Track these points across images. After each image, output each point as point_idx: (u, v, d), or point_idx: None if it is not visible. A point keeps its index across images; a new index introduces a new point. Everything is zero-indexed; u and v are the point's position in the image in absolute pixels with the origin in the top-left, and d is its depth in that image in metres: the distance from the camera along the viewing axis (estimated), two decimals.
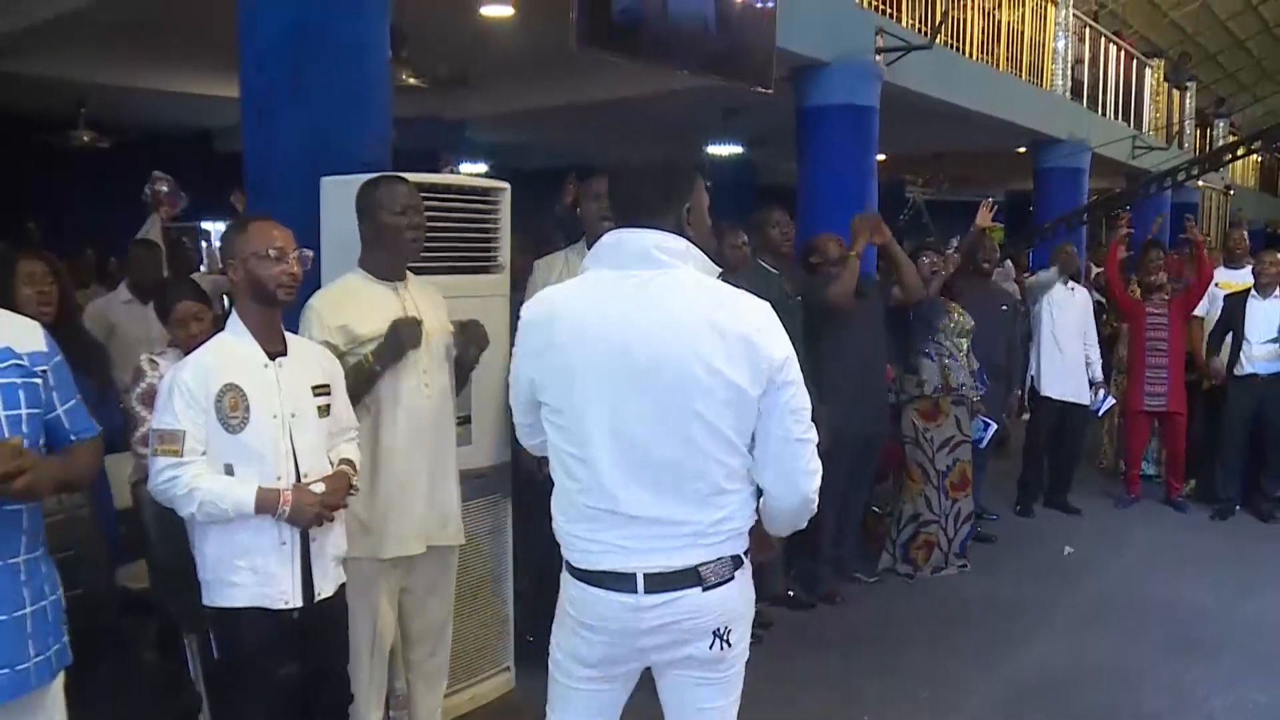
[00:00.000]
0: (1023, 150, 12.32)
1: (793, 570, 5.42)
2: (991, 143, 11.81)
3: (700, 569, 2.13)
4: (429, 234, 3.54)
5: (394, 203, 3.25)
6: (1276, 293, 6.79)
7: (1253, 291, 6.84)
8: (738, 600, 2.20)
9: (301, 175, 3.79)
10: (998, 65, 10.36)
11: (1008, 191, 18.99)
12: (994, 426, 5.73)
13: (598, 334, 2.11)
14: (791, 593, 5.23)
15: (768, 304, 2.15)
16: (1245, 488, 7.01)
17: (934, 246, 6.10)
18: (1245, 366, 6.76)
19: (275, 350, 2.76)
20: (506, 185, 4.04)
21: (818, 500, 2.21)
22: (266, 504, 2.63)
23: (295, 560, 2.72)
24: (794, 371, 2.11)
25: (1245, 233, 8.32)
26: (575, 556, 2.21)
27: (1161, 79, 15.56)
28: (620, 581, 2.14)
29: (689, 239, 2.17)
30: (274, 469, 2.68)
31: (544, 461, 2.49)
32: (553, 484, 2.25)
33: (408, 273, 3.35)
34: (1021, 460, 7.12)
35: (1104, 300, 8.33)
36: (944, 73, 8.68)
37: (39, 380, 2.20)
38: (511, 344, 3.50)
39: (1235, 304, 6.88)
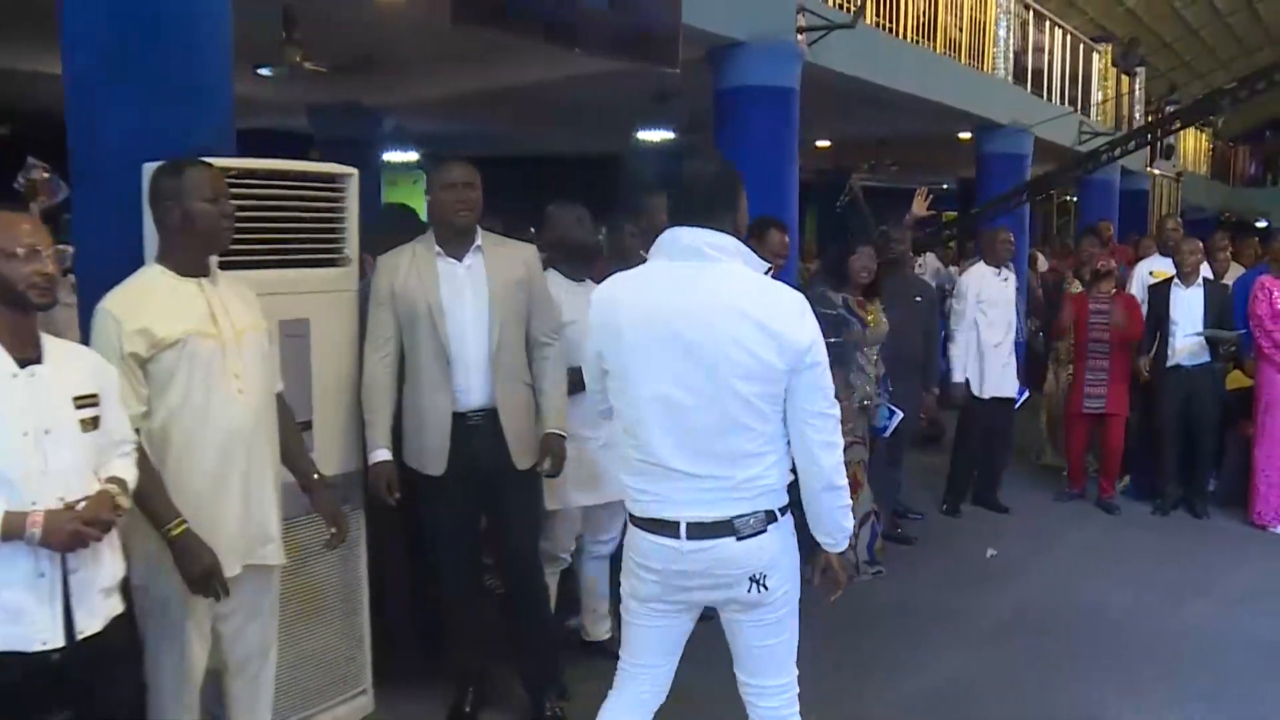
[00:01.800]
0: (967, 136, 12.05)
1: None
2: (934, 128, 11.52)
3: (735, 521, 2.46)
4: (265, 225, 3.27)
5: (203, 189, 2.88)
6: (1199, 281, 6.56)
7: (1175, 280, 6.60)
8: (772, 550, 2.51)
9: (127, 162, 3.41)
10: (935, 48, 10.06)
11: (959, 179, 18.78)
12: (899, 415, 5.43)
13: (652, 315, 2.47)
14: None
15: (802, 295, 2.50)
16: (1180, 484, 6.77)
17: (873, 241, 5.80)
18: (1172, 359, 6.52)
19: (27, 357, 2.40)
20: (354, 171, 3.71)
21: (845, 488, 2.54)
22: (12, 529, 2.26)
23: (56, 595, 2.36)
24: (819, 354, 2.46)
25: (1179, 222, 8.09)
26: (632, 505, 2.58)
27: (1110, 64, 15.35)
28: (666, 528, 2.50)
29: (740, 239, 2.52)
30: (25, 493, 2.30)
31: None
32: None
33: (214, 266, 3.00)
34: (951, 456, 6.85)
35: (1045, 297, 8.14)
36: (872, 54, 8.36)
37: None
38: (361, 342, 3.65)
39: (1159, 294, 6.65)
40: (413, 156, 14.07)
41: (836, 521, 2.57)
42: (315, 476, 3.19)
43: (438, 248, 3.64)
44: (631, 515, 2.60)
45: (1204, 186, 22.51)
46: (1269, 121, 31.78)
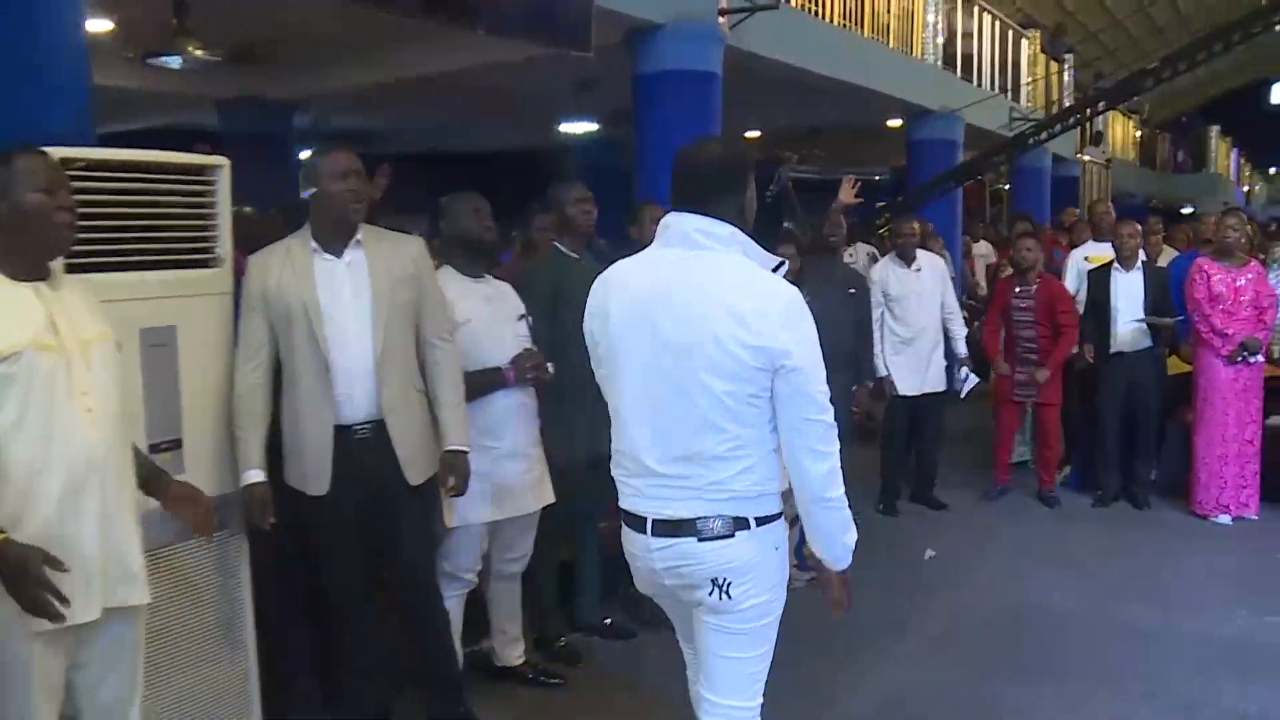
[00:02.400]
0: (897, 124, 11.87)
1: (620, 591, 4.82)
2: (864, 116, 11.33)
3: (697, 521, 2.36)
4: (123, 223, 2.92)
5: (34, 180, 2.49)
6: (1138, 265, 6.39)
7: (1115, 264, 6.42)
8: (740, 557, 2.38)
9: None
10: (863, 32, 9.83)
11: (892, 169, 18.66)
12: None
13: (637, 302, 2.40)
14: (609, 620, 4.61)
15: (794, 292, 2.34)
16: (1121, 473, 6.59)
17: (793, 236, 5.53)
18: (1114, 345, 6.34)
19: None
20: (224, 162, 3.35)
21: (840, 501, 2.41)
22: None
23: None
24: (802, 358, 2.29)
25: (1110, 205, 7.93)
26: (618, 496, 2.52)
27: (1039, 50, 15.30)
28: (637, 523, 2.46)
29: (742, 227, 2.39)
30: None
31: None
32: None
33: (56, 269, 2.61)
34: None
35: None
36: (797, 37, 8.11)
37: None
38: (235, 348, 3.32)
39: (1099, 278, 6.46)
40: None
41: (831, 536, 2.44)
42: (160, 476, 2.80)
43: (314, 243, 3.29)
44: (619, 507, 2.55)
45: (1133, 173, 22.71)
46: (1193, 110, 32.44)
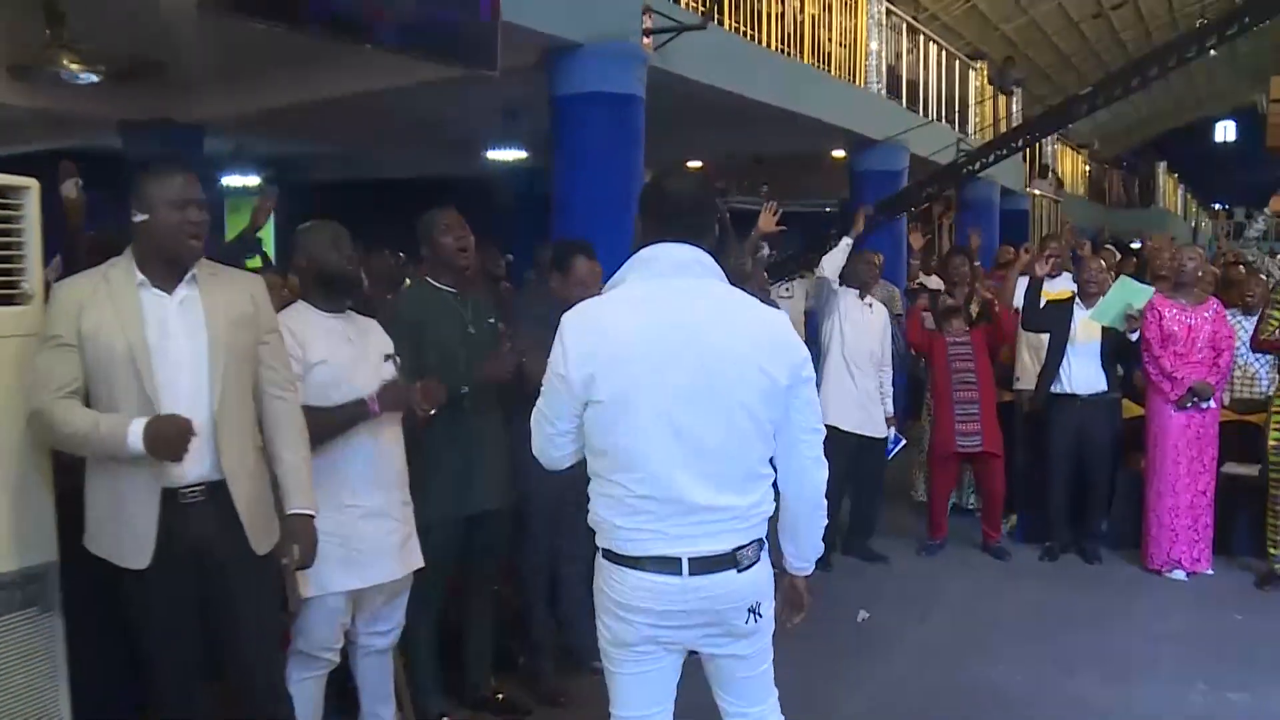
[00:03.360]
0: (841, 154, 11.52)
1: (521, 660, 4.34)
2: (807, 145, 10.97)
3: (736, 553, 2.35)
4: None
5: None
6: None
7: (1078, 301, 6.03)
8: (765, 577, 2.45)
9: None
10: (803, 58, 9.47)
11: (842, 200, 18.39)
12: None
13: (662, 334, 2.31)
14: (502, 695, 4.11)
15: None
16: (1071, 525, 6.18)
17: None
18: (1065, 385, 5.94)
19: None
20: (31, 183, 2.89)
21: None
22: None
23: None
24: (811, 369, 2.43)
25: (1064, 243, 7.58)
26: (619, 544, 2.38)
27: (986, 82, 15.09)
28: (665, 565, 2.34)
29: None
30: None
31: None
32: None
33: None
34: None
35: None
36: (729, 60, 7.70)
37: None
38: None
39: (1060, 315, 6.04)
40: (254, 181, 13.08)
41: (816, 543, 2.57)
42: None
43: (140, 276, 2.79)
44: (615, 554, 2.40)
45: (1082, 207, 22.64)
46: (1141, 145, 32.77)
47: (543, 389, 2.43)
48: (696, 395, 2.30)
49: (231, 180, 13.13)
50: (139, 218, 2.80)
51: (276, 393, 2.98)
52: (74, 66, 5.98)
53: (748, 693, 2.55)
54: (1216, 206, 35.42)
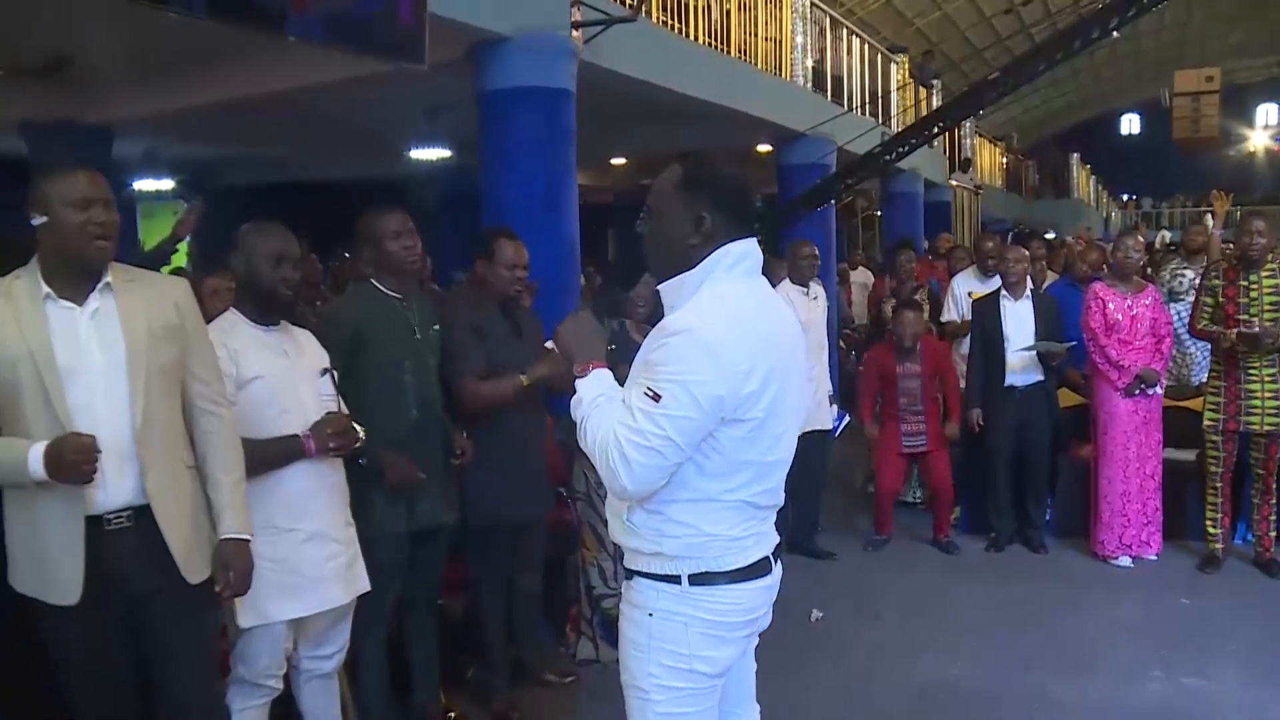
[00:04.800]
0: (767, 149, 11.48)
1: (470, 675, 4.19)
2: (732, 140, 10.85)
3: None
4: None
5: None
6: (1026, 293, 5.99)
7: (1003, 293, 6.02)
8: None
9: None
10: (730, 52, 9.38)
11: (763, 195, 18.43)
12: None
13: (775, 338, 2.23)
14: (453, 714, 3.95)
15: None
16: (1015, 515, 6.16)
17: None
18: (1008, 379, 5.93)
19: None
20: None
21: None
22: None
23: None
24: None
25: (999, 239, 7.59)
26: (729, 559, 2.22)
27: (908, 75, 15.21)
28: (763, 566, 2.28)
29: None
30: None
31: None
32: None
33: None
34: None
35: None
36: (658, 54, 7.58)
37: None
38: None
39: (987, 308, 6.04)
40: (168, 185, 12.64)
41: None
42: None
43: (46, 288, 2.57)
44: (719, 572, 2.22)
45: (1001, 199, 23.01)
46: (1053, 138, 33.51)
47: (667, 416, 2.08)
48: (797, 396, 2.32)
49: (145, 185, 12.65)
50: (37, 220, 2.58)
51: (208, 408, 2.77)
52: None
53: (751, 689, 2.54)
54: (1125, 197, 36.33)
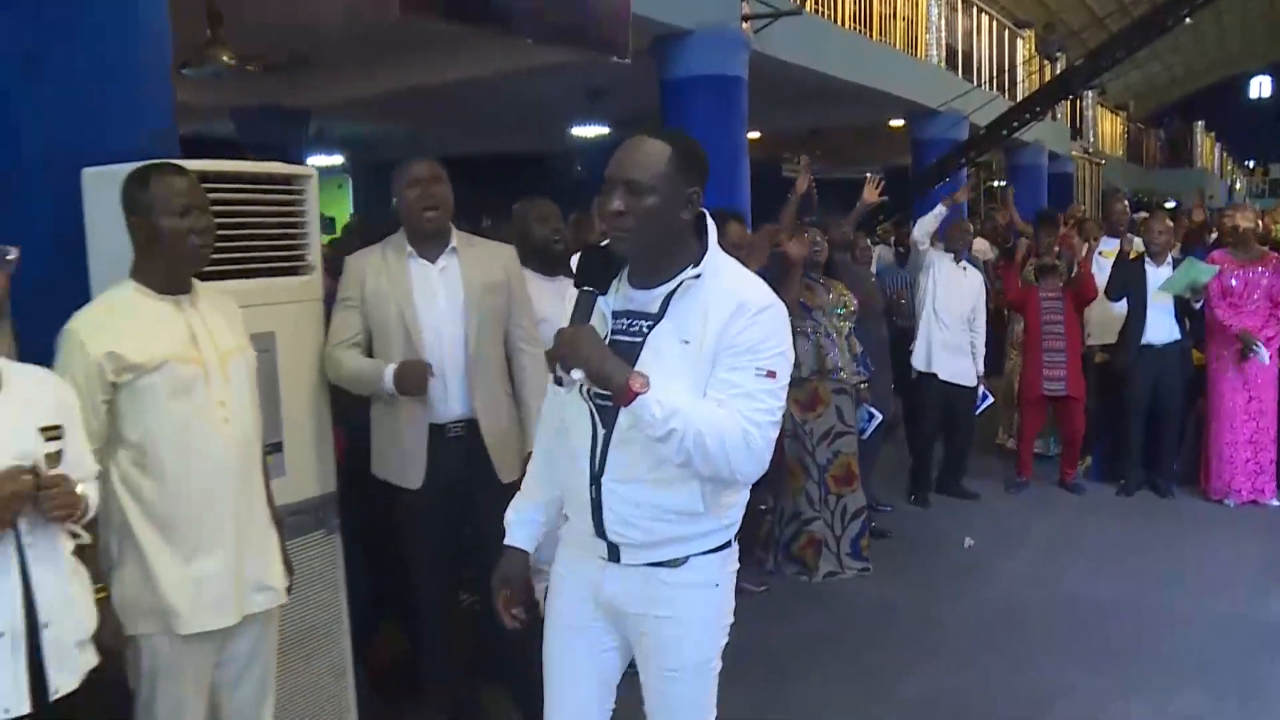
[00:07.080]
0: (898, 124, 12.02)
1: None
2: (867, 116, 11.50)
3: None
4: (224, 233, 2.88)
5: (170, 202, 2.54)
6: (1169, 260, 6.52)
7: (1146, 259, 6.56)
8: None
9: (54, 168, 3.11)
10: (871, 34, 9.98)
11: (886, 167, 18.84)
12: (879, 417, 5.33)
13: None
14: None
15: None
16: (1145, 464, 6.75)
17: (818, 224, 5.68)
18: (1145, 337, 6.48)
19: None
20: (312, 172, 3.44)
21: None
22: None
23: (19, 653, 2.09)
24: None
25: (1126, 203, 8.07)
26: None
27: (1033, 49, 15.49)
28: None
29: None
30: None
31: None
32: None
33: (195, 283, 2.69)
34: (908, 446, 6.74)
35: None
36: (815, 42, 8.24)
37: None
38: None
39: (1133, 272, 6.55)
40: (337, 160, 13.62)
41: None
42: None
43: (410, 248, 3.40)
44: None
45: (1120, 169, 22.92)
46: (1176, 104, 32.63)
47: (782, 389, 2.14)
48: None
49: (315, 161, 13.68)
50: (395, 202, 3.43)
51: (523, 346, 3.57)
52: (229, 61, 6.57)
53: None
54: (1250, 164, 35.26)
